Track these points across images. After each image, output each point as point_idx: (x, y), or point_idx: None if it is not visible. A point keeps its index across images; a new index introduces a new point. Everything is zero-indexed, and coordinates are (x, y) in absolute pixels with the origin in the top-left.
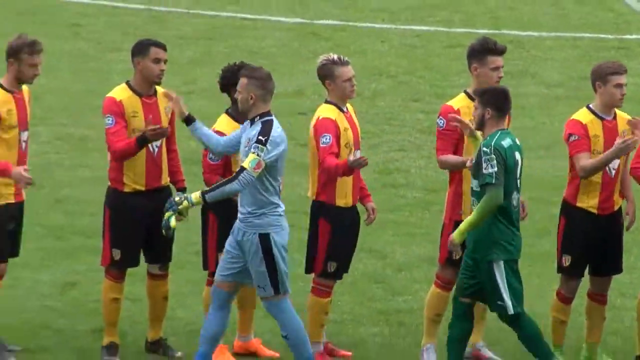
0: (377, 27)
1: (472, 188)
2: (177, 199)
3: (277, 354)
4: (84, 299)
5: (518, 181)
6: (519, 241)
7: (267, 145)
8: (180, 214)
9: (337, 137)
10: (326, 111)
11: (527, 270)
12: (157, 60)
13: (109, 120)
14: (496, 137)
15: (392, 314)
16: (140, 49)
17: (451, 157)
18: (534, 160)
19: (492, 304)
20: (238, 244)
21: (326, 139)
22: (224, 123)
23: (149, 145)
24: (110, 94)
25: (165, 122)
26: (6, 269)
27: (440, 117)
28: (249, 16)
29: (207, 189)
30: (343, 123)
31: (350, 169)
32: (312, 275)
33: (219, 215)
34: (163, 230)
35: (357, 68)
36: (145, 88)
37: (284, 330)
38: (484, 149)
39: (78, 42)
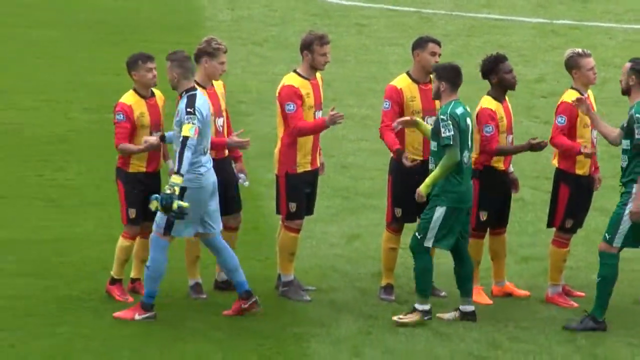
0: (605, 26)
1: (431, 149)
2: (168, 191)
3: (528, 293)
4: (365, 248)
5: (469, 142)
6: (465, 190)
7: (196, 114)
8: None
9: (573, 119)
10: (569, 96)
11: None
12: (433, 54)
13: (386, 104)
14: (451, 106)
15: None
16: (420, 43)
17: None
18: None
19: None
20: None
21: (561, 119)
22: (488, 101)
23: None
24: (392, 82)
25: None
26: (303, 224)
27: None
28: (499, 17)
29: (176, 168)
30: None
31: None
32: (553, 229)
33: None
34: (163, 212)
35: None
36: (422, 77)
37: (149, 262)
38: (442, 116)
39: (362, 38)
